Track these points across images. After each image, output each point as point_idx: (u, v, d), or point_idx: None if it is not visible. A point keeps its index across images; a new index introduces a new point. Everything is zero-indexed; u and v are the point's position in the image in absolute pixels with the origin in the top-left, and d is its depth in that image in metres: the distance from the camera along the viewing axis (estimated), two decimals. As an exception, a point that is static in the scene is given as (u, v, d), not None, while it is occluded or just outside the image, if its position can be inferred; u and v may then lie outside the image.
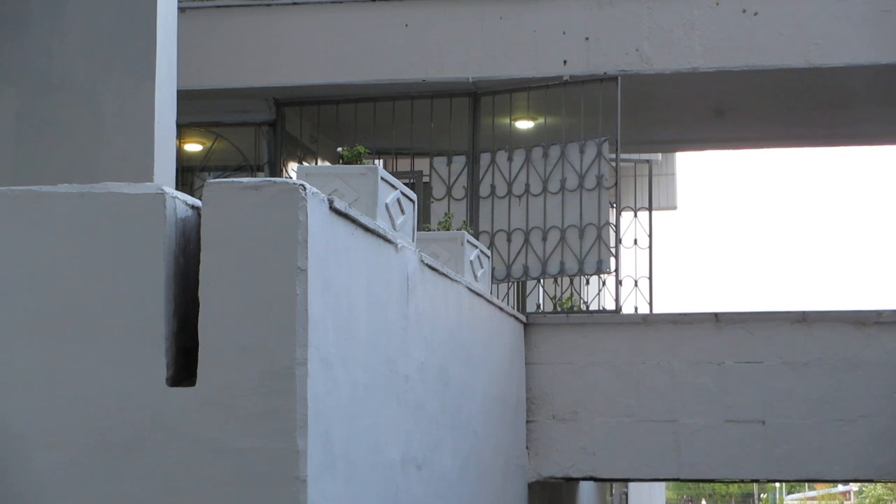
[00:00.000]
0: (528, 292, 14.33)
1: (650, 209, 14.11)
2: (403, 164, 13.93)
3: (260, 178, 5.47)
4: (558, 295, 14.34)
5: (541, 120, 13.54)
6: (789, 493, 71.50)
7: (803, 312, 11.91)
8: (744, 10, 12.81)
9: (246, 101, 13.77)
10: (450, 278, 8.51)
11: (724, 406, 11.69)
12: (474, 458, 9.24)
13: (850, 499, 66.26)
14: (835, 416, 11.53)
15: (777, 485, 67.64)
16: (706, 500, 72.85)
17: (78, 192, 5.45)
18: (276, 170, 13.68)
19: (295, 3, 13.42)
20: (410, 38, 13.24)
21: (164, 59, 8.92)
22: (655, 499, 29.89)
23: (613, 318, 12.25)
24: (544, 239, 12.79)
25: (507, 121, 13.41)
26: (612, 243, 12.77)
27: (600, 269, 12.71)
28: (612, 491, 22.30)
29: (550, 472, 11.83)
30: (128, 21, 8.92)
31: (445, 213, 11.65)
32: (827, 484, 60.73)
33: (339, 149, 7.82)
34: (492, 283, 11.44)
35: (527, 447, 11.75)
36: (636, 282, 13.72)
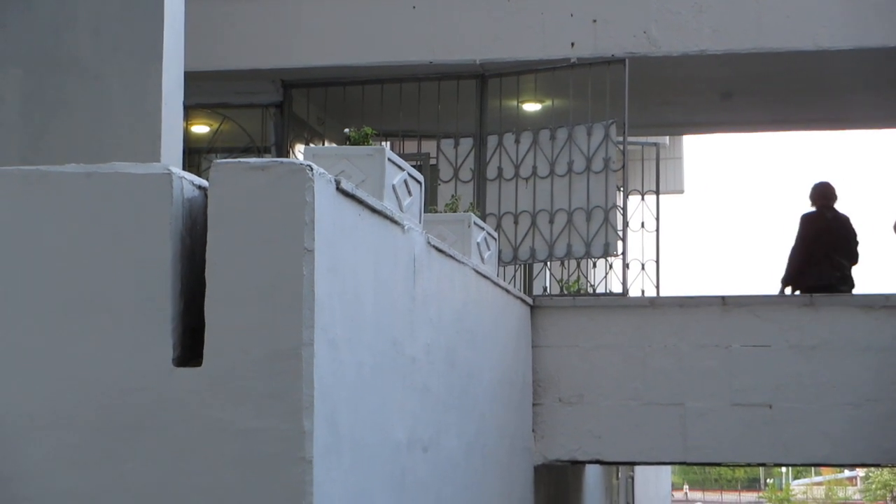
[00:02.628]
0: (534, 275, 14.32)
1: (657, 192, 14.09)
2: (410, 147, 13.92)
3: (267, 159, 5.46)
4: (565, 278, 14.33)
5: (548, 102, 13.52)
6: (795, 478, 71.60)
7: (811, 296, 11.90)
8: (752, -8, 12.80)
9: (253, 83, 13.76)
10: (456, 260, 8.51)
11: (731, 390, 11.68)
12: (480, 441, 9.24)
13: (856, 484, 66.34)
14: (842, 401, 11.51)
15: (783, 469, 67.71)
16: (688, 486, 72.82)
17: (85, 171, 5.45)
18: (282, 151, 13.67)
19: (302, -15, 13.41)
20: (418, 19, 13.22)
21: (172, 40, 8.90)
22: (661, 482, 29.92)
23: (620, 301, 12.24)
24: (551, 221, 12.78)
25: (515, 103, 13.39)
26: (620, 226, 12.76)
27: (607, 251, 12.70)
28: (618, 474, 22.32)
29: (556, 455, 11.82)
30: (135, 2, 8.90)
31: (452, 196, 11.63)
32: (833, 469, 60.78)
33: (347, 130, 7.81)
34: (498, 265, 11.44)
35: (533, 430, 11.75)
36: (643, 265, 13.69)
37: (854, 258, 13.30)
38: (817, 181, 13.76)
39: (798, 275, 13.01)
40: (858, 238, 13.40)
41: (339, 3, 13.39)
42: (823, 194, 13.50)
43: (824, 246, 13.11)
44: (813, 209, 13.50)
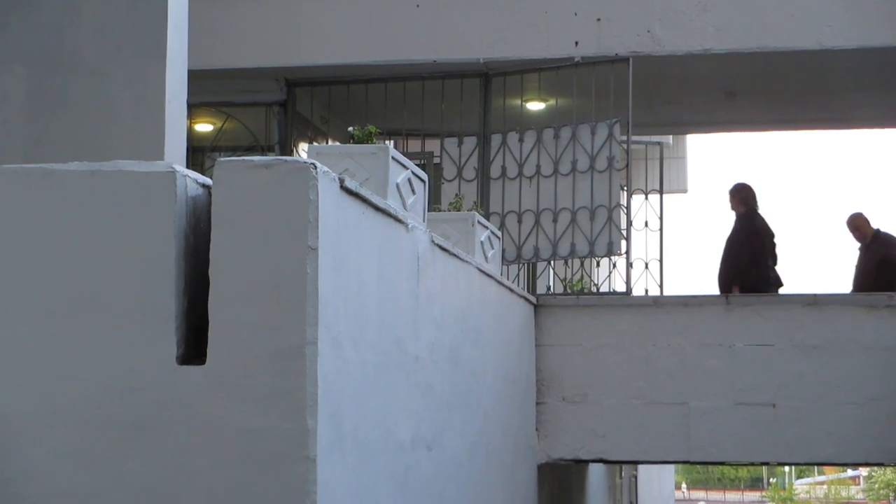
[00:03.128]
0: (538, 274, 14.32)
1: (661, 191, 14.07)
2: (414, 145, 13.91)
3: (271, 157, 5.45)
4: (568, 277, 14.32)
5: (552, 101, 13.51)
6: (798, 477, 71.47)
7: (814, 295, 11.89)
8: (756, -8, 12.80)
9: (257, 82, 13.75)
10: (460, 259, 8.50)
11: (735, 389, 11.67)
12: (484, 439, 9.23)
13: (859, 483, 66.24)
14: (845, 400, 11.50)
15: (786, 469, 67.63)
16: (686, 484, 72.73)
17: (88, 170, 5.44)
18: (286, 150, 13.67)
19: (306, -17, 13.41)
20: (422, 18, 13.21)
21: (176, 38, 8.90)
22: (665, 482, 29.89)
23: (624, 300, 12.23)
24: (555, 220, 12.77)
25: (518, 102, 13.38)
26: (623, 225, 12.75)
27: (611, 251, 12.69)
28: (621, 473, 22.29)
29: (560, 453, 11.82)
30: (139, 1, 8.90)
31: (456, 194, 11.62)
32: (836, 468, 60.74)
33: (350, 128, 7.80)
34: (502, 264, 11.43)
35: (536, 429, 11.74)
36: (647, 264, 13.67)
37: (776, 259, 13.52)
38: (739, 183, 13.91)
39: (742, 274, 13.06)
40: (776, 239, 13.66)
41: (343, 1, 13.39)
42: (752, 196, 13.66)
43: (763, 247, 13.29)
44: (740, 211, 13.62)
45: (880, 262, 13.45)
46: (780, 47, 12.79)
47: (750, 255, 13.21)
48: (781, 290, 13.32)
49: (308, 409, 5.25)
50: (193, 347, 5.38)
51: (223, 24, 13.32)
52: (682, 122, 16.86)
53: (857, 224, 13.98)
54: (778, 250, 13.69)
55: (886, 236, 13.79)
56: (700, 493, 71.80)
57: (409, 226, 7.03)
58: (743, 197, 13.69)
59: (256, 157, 5.44)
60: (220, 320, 5.30)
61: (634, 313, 11.97)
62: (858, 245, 14.04)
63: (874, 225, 14.00)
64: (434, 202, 11.70)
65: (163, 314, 5.32)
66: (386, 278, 6.56)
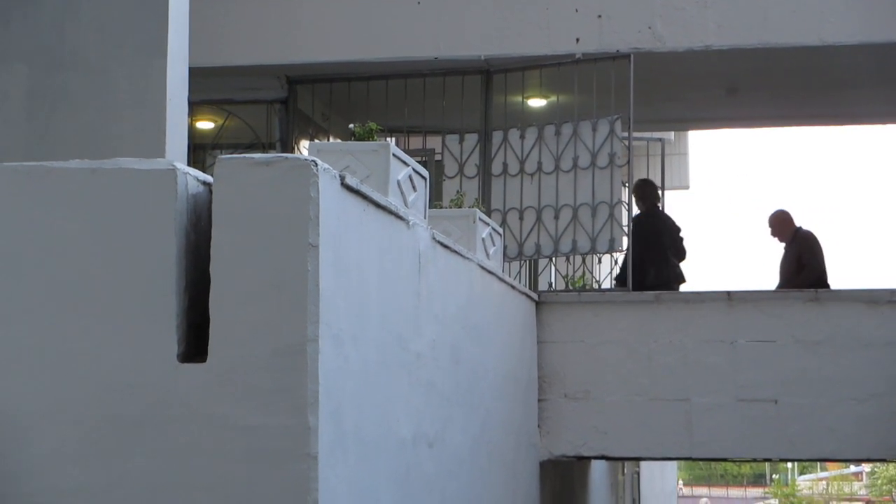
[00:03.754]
0: (539, 270, 14.31)
1: (662, 188, 14.09)
2: (415, 142, 13.90)
3: (272, 154, 5.45)
4: (570, 273, 14.31)
5: (553, 98, 13.49)
6: (801, 473, 71.50)
7: (816, 291, 11.90)
8: (757, -13, 12.77)
9: (258, 79, 13.74)
10: (462, 256, 8.49)
11: (737, 385, 11.67)
12: (486, 437, 9.23)
13: (862, 479, 66.28)
14: (847, 396, 11.50)
15: (789, 465, 67.66)
16: (683, 481, 72.76)
17: (89, 167, 5.45)
18: (287, 148, 13.65)
19: (307, -19, 13.39)
20: (423, 15, 13.19)
21: (176, 36, 8.89)
22: (667, 478, 29.89)
23: (625, 297, 12.23)
24: (556, 217, 12.76)
25: (520, 99, 13.37)
26: (625, 222, 12.74)
27: (612, 247, 12.68)
28: (623, 470, 22.29)
29: (562, 450, 11.82)
30: (140, -2, 8.91)
31: (457, 191, 11.62)
32: (839, 464, 60.76)
33: (351, 126, 7.80)
34: (504, 261, 11.42)
35: (538, 426, 11.74)
36: (648, 261, 13.68)
37: (682, 255, 13.71)
38: (639, 179, 13.93)
39: (642, 272, 13.01)
40: (682, 234, 13.73)
41: (344, -1, 13.39)
42: (652, 193, 13.73)
43: (659, 245, 13.30)
44: (640, 209, 13.68)
45: (797, 261, 13.45)
46: (782, 43, 12.76)
47: (644, 255, 13.15)
48: (682, 287, 13.34)
49: (309, 406, 5.25)
50: (194, 345, 5.38)
51: (224, 21, 13.30)
52: (684, 119, 16.84)
53: (775, 222, 13.92)
54: (685, 244, 13.74)
55: (806, 234, 13.69)
56: (703, 490, 71.84)
57: (411, 223, 7.03)
58: (640, 195, 13.74)
59: (257, 155, 5.44)
60: (220, 318, 5.30)
61: (636, 310, 11.98)
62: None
63: (797, 223, 13.91)
64: (435, 199, 11.68)
65: (164, 312, 5.32)
66: (387, 275, 6.56)
